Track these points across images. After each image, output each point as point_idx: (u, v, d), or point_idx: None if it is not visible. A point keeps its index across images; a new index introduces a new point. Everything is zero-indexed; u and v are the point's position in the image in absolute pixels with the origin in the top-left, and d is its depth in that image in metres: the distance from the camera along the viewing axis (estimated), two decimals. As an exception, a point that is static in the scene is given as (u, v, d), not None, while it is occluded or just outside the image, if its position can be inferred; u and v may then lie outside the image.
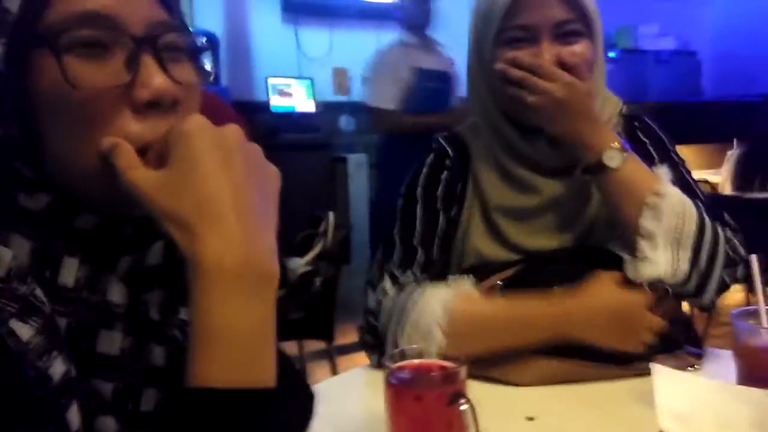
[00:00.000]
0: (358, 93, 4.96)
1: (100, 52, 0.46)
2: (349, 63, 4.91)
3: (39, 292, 0.46)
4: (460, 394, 0.61)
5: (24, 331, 0.43)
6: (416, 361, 0.67)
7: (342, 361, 2.34)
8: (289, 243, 2.35)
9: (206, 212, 0.43)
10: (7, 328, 0.43)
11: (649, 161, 0.91)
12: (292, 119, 4.44)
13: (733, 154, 2.75)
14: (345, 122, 4.95)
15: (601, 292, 0.84)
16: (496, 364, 0.83)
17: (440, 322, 0.82)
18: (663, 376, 0.63)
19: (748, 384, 0.62)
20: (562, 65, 0.85)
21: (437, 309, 0.83)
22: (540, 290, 0.86)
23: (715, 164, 2.90)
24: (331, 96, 4.88)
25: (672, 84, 4.33)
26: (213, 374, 0.42)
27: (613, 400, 0.79)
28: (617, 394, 0.80)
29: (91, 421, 0.48)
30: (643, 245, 0.82)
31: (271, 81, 4.43)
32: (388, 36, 4.93)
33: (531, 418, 0.76)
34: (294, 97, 4.54)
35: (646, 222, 0.82)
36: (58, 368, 0.44)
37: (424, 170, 0.99)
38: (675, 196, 0.84)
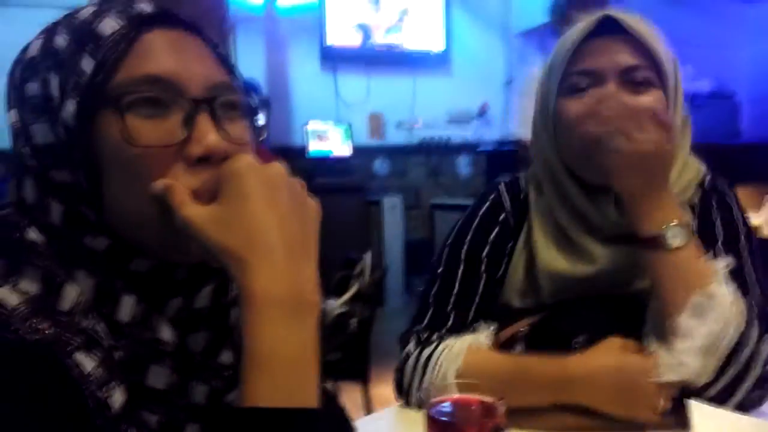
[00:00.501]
0: (392, 137, 5.05)
1: (160, 112, 0.51)
2: (385, 108, 5.01)
3: (100, 326, 0.50)
4: (499, 428, 0.62)
5: (87, 362, 0.47)
6: (456, 396, 0.68)
7: (376, 403, 2.33)
8: (326, 285, 2.38)
9: (256, 246, 0.47)
10: (72, 360, 0.46)
11: (712, 240, 0.86)
12: (327, 163, 4.52)
13: (773, 196, 2.71)
14: (379, 166, 5.03)
15: (607, 356, 0.79)
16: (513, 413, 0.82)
17: (451, 382, 0.80)
18: (701, 412, 0.63)
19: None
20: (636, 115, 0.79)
21: (449, 371, 0.83)
22: (563, 338, 0.85)
23: (755, 206, 2.85)
24: (366, 140, 4.97)
25: (710, 126, 4.29)
26: (262, 394, 0.45)
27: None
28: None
29: None
30: (677, 344, 0.76)
31: (309, 126, 4.54)
32: (423, 81, 5.05)
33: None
34: (331, 141, 4.63)
35: (687, 320, 0.76)
36: (117, 398, 0.48)
37: (475, 224, 0.94)
38: (725, 298, 0.76)
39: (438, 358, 0.86)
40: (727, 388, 0.76)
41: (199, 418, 0.54)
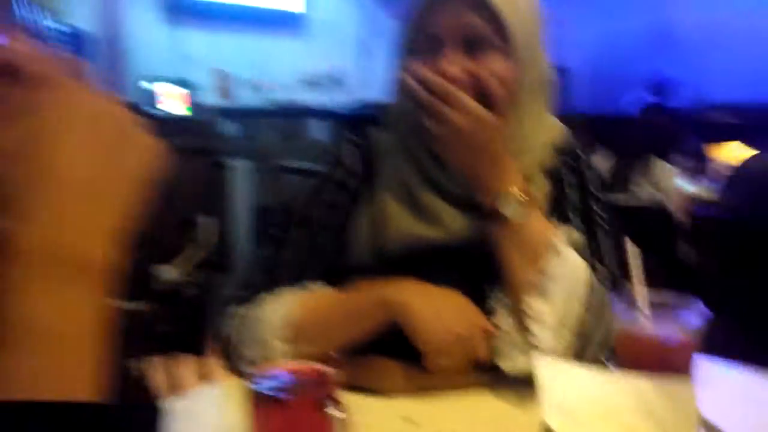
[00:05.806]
0: (242, 98, 4.83)
1: None
2: (232, 67, 4.78)
3: None
4: (330, 399, 0.54)
5: None
6: (283, 365, 0.60)
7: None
8: (164, 250, 2.20)
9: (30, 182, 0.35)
10: None
11: (564, 205, 0.85)
12: (170, 123, 4.25)
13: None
14: (227, 127, 4.80)
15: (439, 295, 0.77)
16: (355, 372, 0.76)
17: (277, 331, 0.79)
18: (546, 368, 0.60)
19: (627, 369, 0.61)
20: (475, 81, 0.77)
21: (274, 319, 0.80)
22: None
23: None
24: (214, 100, 4.73)
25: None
26: (15, 378, 0.33)
27: (493, 398, 0.76)
28: (497, 393, 0.77)
29: None
30: (534, 328, 0.74)
31: (149, 84, 4.22)
32: (276, 42, 4.87)
33: (407, 418, 0.71)
34: (173, 100, 4.36)
35: (532, 302, 0.75)
36: None
37: (313, 186, 0.89)
38: (563, 270, 0.75)
39: (265, 310, 0.81)
40: (575, 356, 0.74)
41: None
